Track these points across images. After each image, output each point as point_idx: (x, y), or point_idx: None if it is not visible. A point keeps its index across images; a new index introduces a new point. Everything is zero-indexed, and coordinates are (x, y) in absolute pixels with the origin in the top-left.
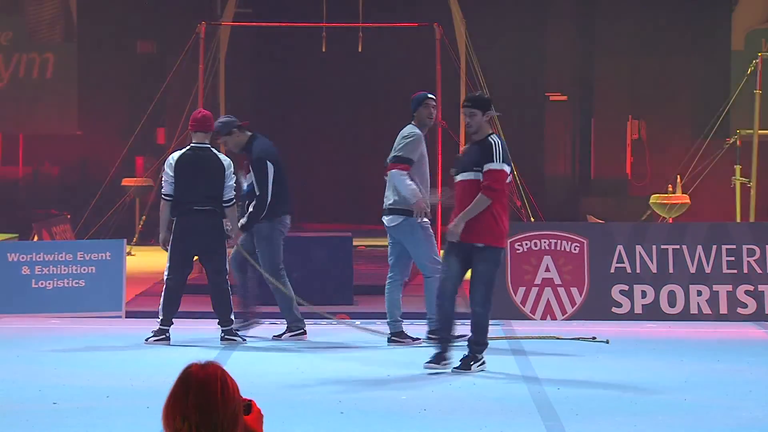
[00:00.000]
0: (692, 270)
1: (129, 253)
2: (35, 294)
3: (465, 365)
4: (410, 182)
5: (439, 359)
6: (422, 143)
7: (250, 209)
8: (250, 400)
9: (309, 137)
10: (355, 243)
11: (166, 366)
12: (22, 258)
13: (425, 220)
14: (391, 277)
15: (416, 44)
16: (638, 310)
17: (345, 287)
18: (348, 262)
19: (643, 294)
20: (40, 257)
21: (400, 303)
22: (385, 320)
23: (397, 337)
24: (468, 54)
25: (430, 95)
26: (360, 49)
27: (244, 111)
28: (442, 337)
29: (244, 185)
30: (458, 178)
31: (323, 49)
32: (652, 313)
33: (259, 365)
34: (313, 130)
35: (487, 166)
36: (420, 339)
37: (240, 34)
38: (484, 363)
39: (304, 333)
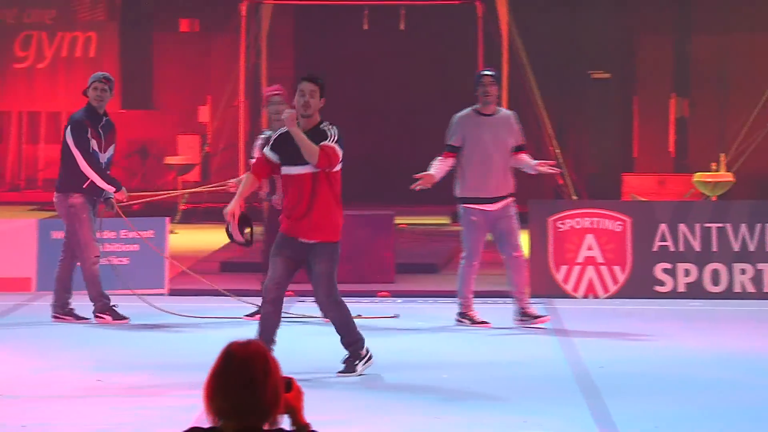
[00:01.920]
0: (736, 248)
1: (172, 231)
2: (78, 271)
3: (350, 367)
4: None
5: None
6: (463, 124)
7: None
8: (290, 378)
9: (350, 115)
10: (396, 221)
11: (208, 343)
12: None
13: None
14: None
15: (458, 22)
16: (681, 288)
17: (386, 265)
18: (389, 240)
19: (687, 272)
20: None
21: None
22: (433, 299)
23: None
24: (510, 31)
25: (483, 72)
26: (402, 27)
27: (284, 88)
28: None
29: None
30: None
31: (365, 27)
32: (696, 291)
33: (299, 343)
34: (353, 107)
35: None
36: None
37: (282, 12)
38: (370, 358)
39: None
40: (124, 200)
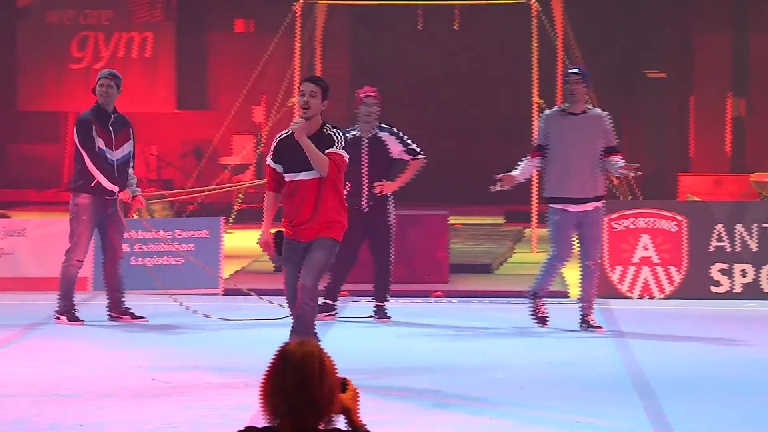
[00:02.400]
0: None
1: (226, 231)
2: (134, 271)
3: None
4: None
5: None
6: (548, 123)
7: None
8: (346, 379)
9: (403, 115)
10: (450, 221)
11: (263, 343)
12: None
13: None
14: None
15: (513, 21)
16: (738, 289)
17: (440, 265)
18: (443, 240)
19: (743, 273)
20: (139, 235)
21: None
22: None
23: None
24: (565, 30)
25: (570, 70)
26: (456, 27)
27: (339, 89)
28: None
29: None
30: None
31: (419, 27)
32: (752, 292)
33: (355, 343)
34: (407, 107)
35: None
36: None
37: (336, 12)
38: None
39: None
40: (129, 201)
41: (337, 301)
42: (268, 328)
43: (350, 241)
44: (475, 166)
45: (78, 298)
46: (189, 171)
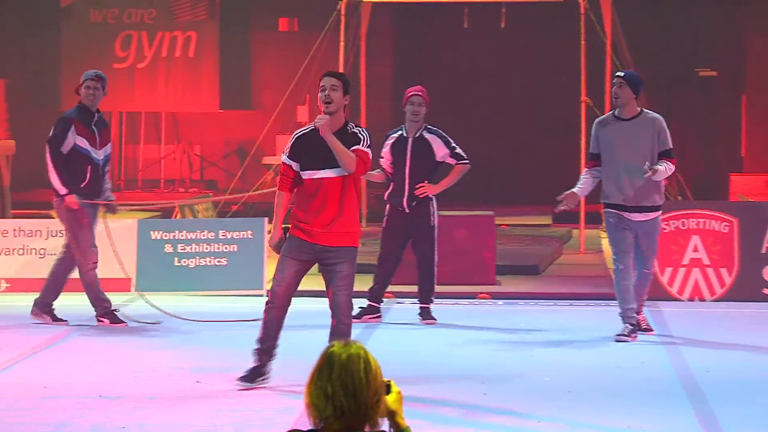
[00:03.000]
0: None
1: (270, 232)
2: (178, 272)
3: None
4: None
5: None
6: (598, 129)
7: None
8: (390, 381)
9: (448, 115)
10: (497, 222)
11: (307, 346)
12: (165, 236)
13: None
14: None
15: (560, 19)
16: None
17: (486, 267)
18: (490, 241)
19: None
20: (182, 235)
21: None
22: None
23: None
24: (614, 29)
25: (616, 73)
26: (502, 25)
27: (383, 89)
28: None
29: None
30: None
31: (465, 26)
32: None
33: (400, 346)
34: (452, 107)
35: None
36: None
37: (381, 10)
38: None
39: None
40: (73, 206)
41: (382, 303)
42: (310, 332)
43: (393, 242)
44: (522, 167)
45: (120, 299)
46: (232, 171)
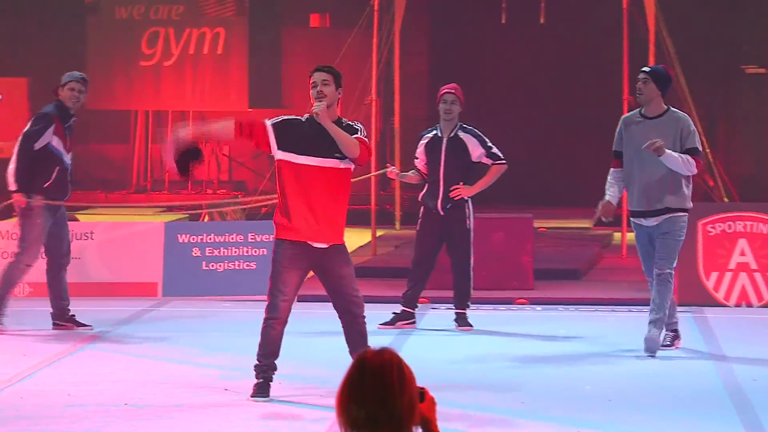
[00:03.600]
0: None
1: None
2: (206, 276)
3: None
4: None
5: None
6: (623, 127)
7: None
8: (423, 388)
9: (487, 113)
10: (536, 224)
11: (337, 352)
12: (193, 239)
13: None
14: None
15: (602, 14)
16: None
17: (524, 271)
18: (528, 244)
19: None
20: (210, 239)
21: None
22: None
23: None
24: (657, 24)
25: (642, 69)
26: (542, 20)
27: (419, 86)
28: None
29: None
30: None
31: (503, 21)
32: None
33: (434, 353)
34: (490, 104)
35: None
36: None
37: (416, 5)
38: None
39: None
40: (20, 204)
41: (416, 309)
42: (337, 338)
43: (428, 245)
44: (562, 167)
45: (147, 303)
46: (262, 172)
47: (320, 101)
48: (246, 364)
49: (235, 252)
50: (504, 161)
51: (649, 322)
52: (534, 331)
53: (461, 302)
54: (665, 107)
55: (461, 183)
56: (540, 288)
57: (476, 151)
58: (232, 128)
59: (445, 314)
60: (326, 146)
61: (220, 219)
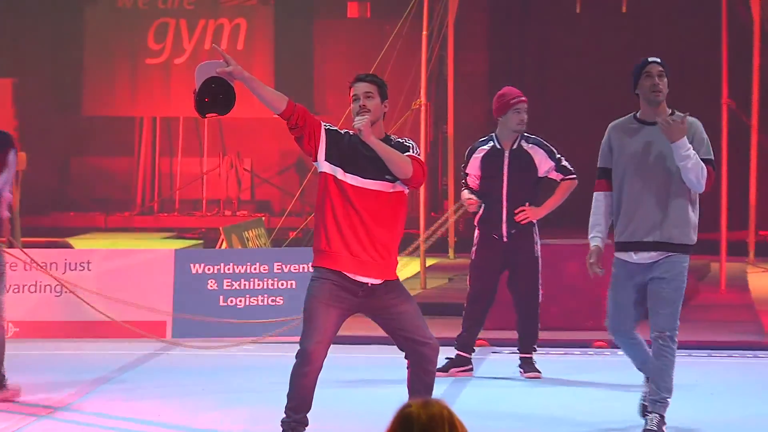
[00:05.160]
0: None
1: None
2: (224, 313)
3: None
4: None
5: None
6: (612, 137)
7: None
8: None
9: (556, 121)
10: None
11: (381, 403)
12: (208, 270)
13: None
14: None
15: (697, 3)
16: None
17: (602, 308)
18: (606, 275)
19: None
20: (229, 269)
21: None
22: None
23: None
24: (763, 13)
25: (648, 59)
26: (624, 9)
27: (476, 88)
28: None
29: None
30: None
31: (577, 11)
32: None
33: (496, 404)
34: (561, 111)
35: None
36: None
37: None
38: None
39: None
40: None
41: (473, 353)
42: (377, 387)
43: (487, 278)
44: None
45: (154, 347)
46: (290, 190)
47: (363, 117)
48: (272, 418)
49: (259, 285)
50: (575, 175)
51: (645, 407)
52: (615, 380)
53: (527, 345)
54: (669, 110)
55: (527, 203)
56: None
57: (544, 165)
58: (285, 102)
59: (508, 359)
60: (375, 166)
61: (240, 245)
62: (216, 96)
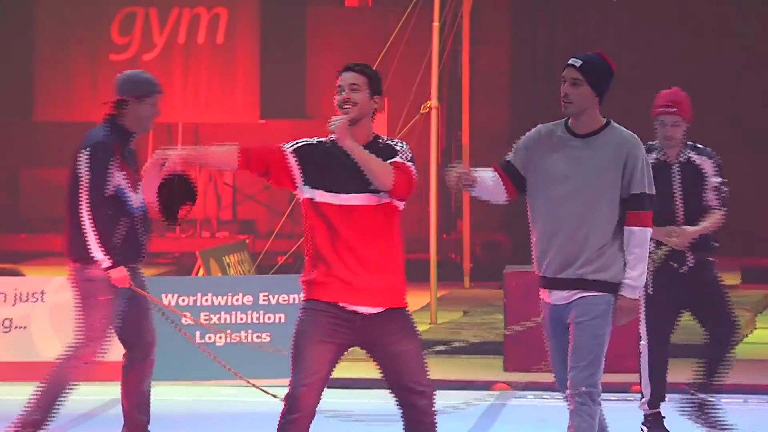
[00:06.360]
0: None
1: None
2: (200, 353)
3: None
4: None
5: None
6: (531, 142)
7: None
8: None
9: None
10: None
11: None
12: (183, 301)
13: None
14: None
15: None
16: None
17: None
18: None
19: None
20: (207, 300)
21: None
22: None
23: None
24: None
25: (569, 61)
26: None
27: (497, 87)
28: None
29: None
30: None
31: None
32: None
33: None
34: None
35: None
36: None
37: None
38: None
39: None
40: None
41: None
42: None
43: (666, 321)
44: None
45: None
46: (277, 208)
47: (345, 112)
48: None
49: (242, 319)
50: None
51: None
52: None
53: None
54: (602, 120)
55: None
56: (670, 369)
57: (712, 180)
58: (235, 154)
59: (534, 406)
60: (357, 177)
61: (220, 272)
62: (175, 195)
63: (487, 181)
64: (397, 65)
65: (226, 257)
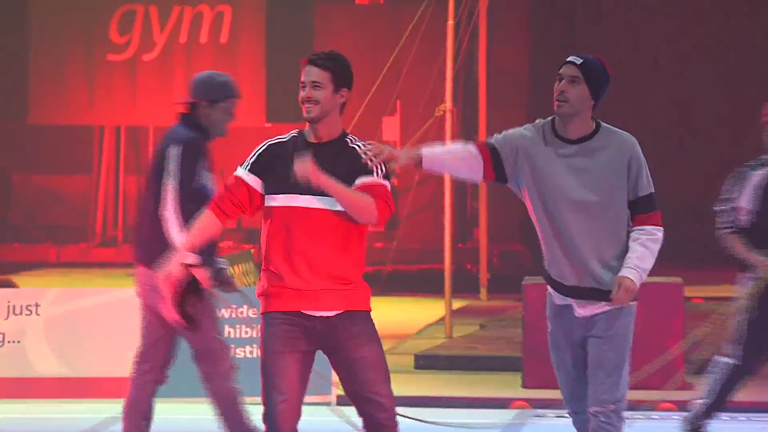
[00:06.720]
0: None
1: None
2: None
3: None
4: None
5: None
6: (521, 141)
7: None
8: None
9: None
10: (687, 294)
11: None
12: None
13: None
14: None
15: None
16: None
17: (671, 362)
18: (677, 322)
19: None
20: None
21: None
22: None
23: None
24: None
25: (568, 59)
26: None
27: (515, 88)
28: None
29: None
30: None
31: None
32: None
33: None
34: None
35: None
36: None
37: None
38: None
39: None
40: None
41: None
42: None
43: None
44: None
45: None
46: None
47: (307, 111)
48: None
49: (246, 333)
50: None
51: None
52: None
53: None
54: (593, 123)
55: None
56: (695, 387)
57: None
58: (213, 218)
59: (555, 426)
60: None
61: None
62: (190, 297)
63: (457, 154)
64: (410, 66)
65: (230, 268)
